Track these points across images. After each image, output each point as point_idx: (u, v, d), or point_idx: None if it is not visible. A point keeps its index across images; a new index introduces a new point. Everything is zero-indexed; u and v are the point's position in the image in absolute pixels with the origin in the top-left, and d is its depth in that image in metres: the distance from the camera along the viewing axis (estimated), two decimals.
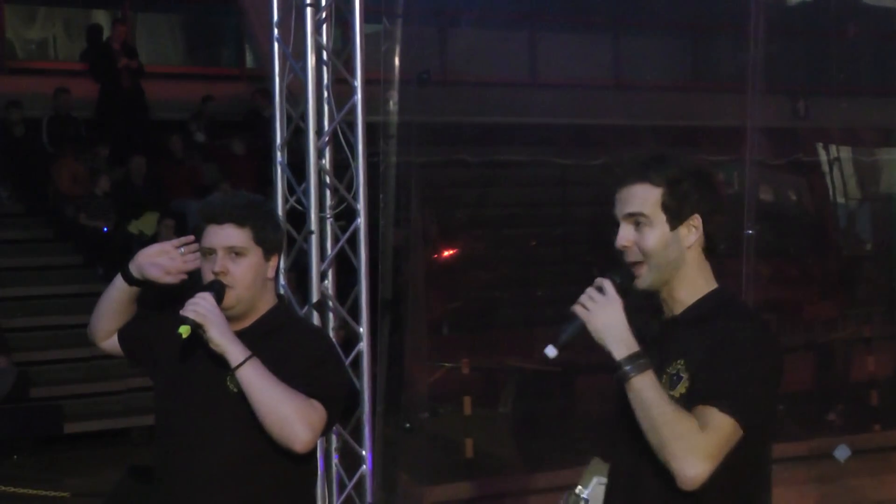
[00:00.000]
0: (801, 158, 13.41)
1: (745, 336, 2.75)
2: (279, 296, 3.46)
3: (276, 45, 5.54)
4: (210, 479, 3.25)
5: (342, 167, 5.51)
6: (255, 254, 3.30)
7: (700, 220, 2.83)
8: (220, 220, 3.28)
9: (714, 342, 2.74)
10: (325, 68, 5.51)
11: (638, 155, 2.89)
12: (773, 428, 2.89)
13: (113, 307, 3.52)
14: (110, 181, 12.90)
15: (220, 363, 3.21)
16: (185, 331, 3.16)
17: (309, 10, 5.40)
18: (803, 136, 13.71)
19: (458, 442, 8.67)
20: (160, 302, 3.49)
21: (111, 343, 3.56)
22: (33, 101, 13.25)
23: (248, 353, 3.18)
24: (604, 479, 3.02)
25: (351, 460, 5.63)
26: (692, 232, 2.83)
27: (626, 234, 2.84)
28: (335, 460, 5.62)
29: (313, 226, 5.44)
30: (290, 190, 5.56)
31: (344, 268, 5.65)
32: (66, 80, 13.63)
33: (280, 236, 3.43)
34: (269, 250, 3.33)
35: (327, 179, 5.50)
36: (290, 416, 3.16)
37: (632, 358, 2.69)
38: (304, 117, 5.46)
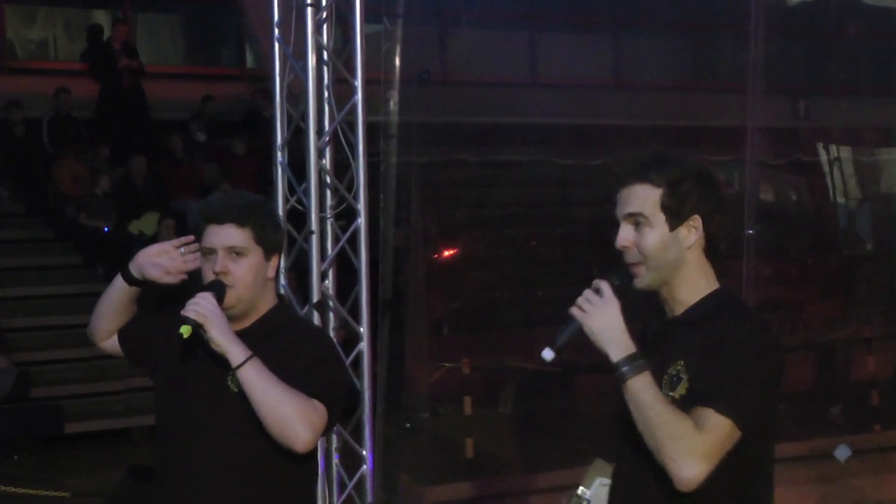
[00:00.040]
0: (801, 158, 13.40)
1: (744, 336, 2.74)
2: (280, 296, 3.46)
3: (276, 45, 5.54)
4: (211, 479, 3.25)
5: (342, 167, 5.51)
6: (255, 254, 3.30)
7: (700, 221, 2.82)
8: (220, 220, 3.28)
9: (713, 342, 2.73)
10: (325, 68, 5.51)
11: (638, 155, 2.88)
12: (775, 428, 2.87)
13: (113, 307, 3.52)
14: (111, 181, 12.90)
15: (220, 363, 3.21)
16: (185, 331, 3.15)
17: (309, 9, 5.40)
18: (803, 136, 13.70)
19: (459, 442, 8.66)
20: (160, 302, 3.48)
21: (111, 343, 3.56)
22: (34, 101, 13.24)
23: (249, 353, 3.18)
24: (606, 480, 3.02)
25: (351, 460, 5.64)
26: (692, 232, 2.82)
27: (625, 235, 2.83)
28: (335, 460, 5.62)
29: (314, 226, 5.44)
30: (291, 190, 5.56)
31: (344, 268, 5.66)
32: (66, 80, 13.63)
33: (280, 236, 3.43)
34: (269, 250, 3.33)
35: (328, 179, 5.50)
36: (290, 415, 3.15)
37: (628, 359, 2.68)
38: (304, 117, 5.46)
